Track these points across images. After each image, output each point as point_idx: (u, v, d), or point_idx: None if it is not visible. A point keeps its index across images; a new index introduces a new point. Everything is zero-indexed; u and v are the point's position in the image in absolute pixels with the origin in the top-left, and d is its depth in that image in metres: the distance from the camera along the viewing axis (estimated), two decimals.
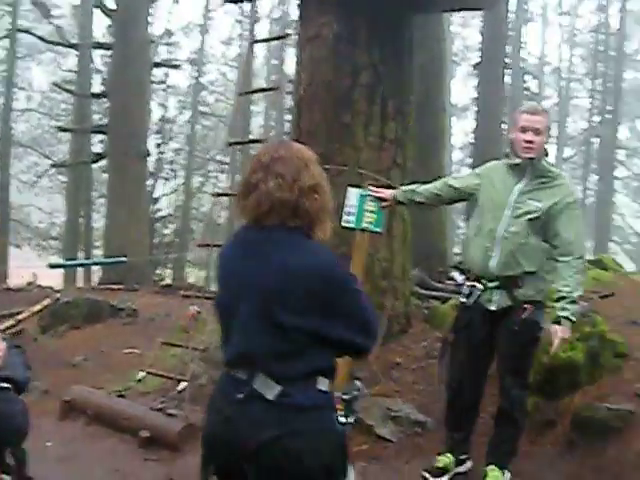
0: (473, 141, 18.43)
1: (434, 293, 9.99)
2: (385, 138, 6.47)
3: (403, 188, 4.78)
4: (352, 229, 4.97)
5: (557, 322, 4.06)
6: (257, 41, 7.10)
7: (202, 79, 31.22)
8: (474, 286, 4.31)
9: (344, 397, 2.52)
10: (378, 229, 4.91)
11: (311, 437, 2.29)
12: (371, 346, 2.48)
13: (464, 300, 4.38)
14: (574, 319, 4.07)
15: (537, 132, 4.18)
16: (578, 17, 35.35)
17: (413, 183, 4.80)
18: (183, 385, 6.04)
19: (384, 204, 4.79)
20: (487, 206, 4.34)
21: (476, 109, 18.14)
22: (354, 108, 6.40)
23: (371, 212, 4.88)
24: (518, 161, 4.24)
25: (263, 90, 8.50)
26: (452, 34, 29.42)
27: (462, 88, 37.14)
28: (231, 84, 32.26)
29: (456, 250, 22.57)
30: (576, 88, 35.54)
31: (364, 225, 4.87)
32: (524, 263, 4.15)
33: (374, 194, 4.80)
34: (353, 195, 4.86)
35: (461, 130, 36.17)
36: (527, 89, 24.64)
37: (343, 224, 4.95)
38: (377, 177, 5.59)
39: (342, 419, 2.43)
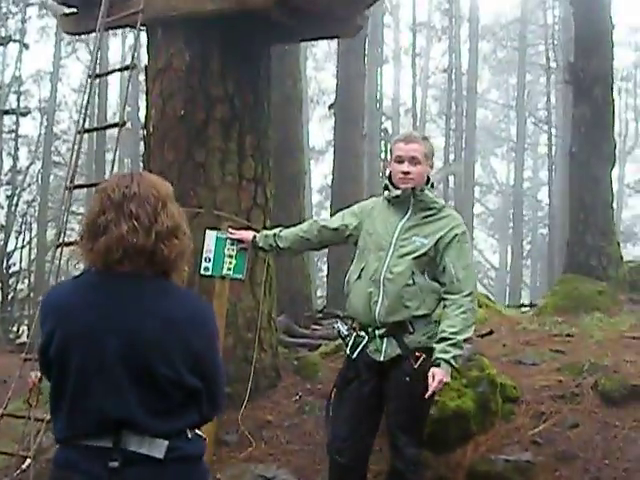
0: (331, 182, 18.24)
1: (301, 340, 9.55)
2: (243, 177, 5.96)
3: (264, 232, 4.32)
4: (211, 277, 4.45)
5: (436, 365, 3.64)
6: (98, 75, 6.44)
7: (54, 128, 29.86)
8: (359, 336, 3.87)
9: None
10: (239, 275, 4.42)
11: None
12: (213, 418, 2.38)
13: (348, 352, 3.92)
14: (455, 364, 3.68)
15: (414, 161, 3.82)
16: (430, 59, 36.53)
17: (277, 227, 4.33)
18: (27, 462, 5.26)
19: (241, 246, 4.33)
20: (369, 247, 3.92)
21: (333, 149, 17.99)
22: (209, 145, 5.88)
23: (231, 257, 4.37)
24: (397, 192, 3.86)
25: (106, 127, 7.76)
26: (307, 77, 29.52)
27: (318, 131, 37.49)
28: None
29: (319, 293, 22.50)
30: (430, 128, 36.59)
31: (224, 272, 4.36)
32: (412, 306, 3.74)
33: (232, 237, 4.32)
34: (211, 239, 4.34)
35: (319, 173, 36.46)
36: (385, 130, 24.86)
37: (202, 272, 4.42)
38: (236, 219, 5.09)
39: None
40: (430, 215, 3.83)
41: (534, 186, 40.85)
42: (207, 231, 4.38)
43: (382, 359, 3.79)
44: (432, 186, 3.92)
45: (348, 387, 3.91)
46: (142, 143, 6.54)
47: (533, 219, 40.27)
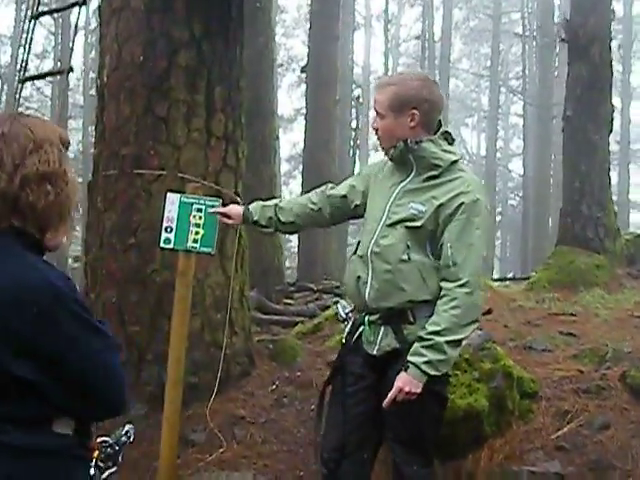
0: (303, 149, 17.43)
1: (275, 317, 8.87)
2: (212, 134, 5.15)
3: (260, 203, 3.48)
4: (173, 250, 3.68)
5: (404, 368, 2.88)
6: (39, 15, 5.55)
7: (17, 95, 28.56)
8: (357, 320, 3.16)
9: (103, 443, 2.12)
10: (208, 249, 3.66)
11: None
12: (107, 417, 1.94)
13: (344, 340, 3.22)
14: (430, 371, 2.86)
15: (378, 115, 3.08)
16: (401, 26, 35.75)
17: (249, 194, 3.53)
18: None
19: (229, 221, 3.53)
20: (367, 217, 3.21)
21: (305, 114, 17.17)
22: (172, 96, 5.05)
23: (198, 226, 3.60)
24: (391, 152, 3.10)
25: (48, 75, 6.77)
26: (276, 44, 28.56)
27: (287, 99, 36.60)
28: (47, 99, 30.13)
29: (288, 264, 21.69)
30: None
31: (189, 245, 3.60)
32: (408, 288, 2.96)
33: (215, 211, 3.56)
34: (173, 204, 3.57)
35: (287, 141, 35.63)
36: (357, 98, 24.06)
37: (162, 244, 3.65)
38: (203, 182, 4.31)
39: (93, 470, 2.03)
40: (433, 176, 3.03)
41: (504, 156, 40.46)
42: (168, 194, 3.61)
43: (375, 353, 3.06)
44: (447, 138, 3.10)
45: (342, 383, 3.17)
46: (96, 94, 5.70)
47: (503, 190, 39.91)
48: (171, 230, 3.58)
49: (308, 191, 3.57)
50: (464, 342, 3.03)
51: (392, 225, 3.01)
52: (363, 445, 3.16)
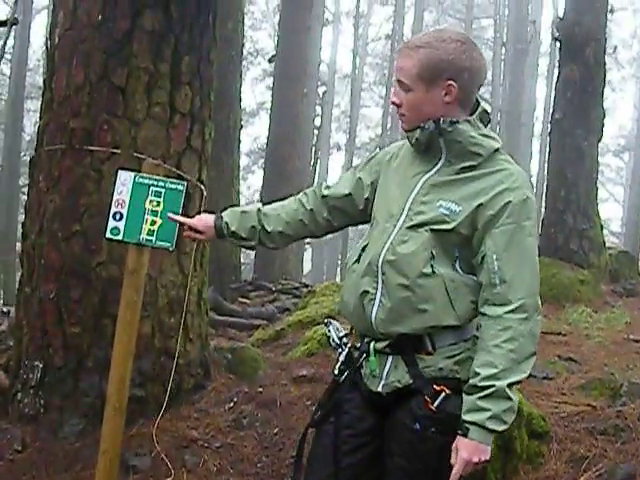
0: (266, 142, 16.77)
1: (231, 319, 8.23)
2: (176, 109, 4.47)
3: (236, 209, 2.75)
4: (122, 242, 3.00)
5: (463, 433, 2.23)
6: None
7: None
8: (356, 349, 2.48)
9: None
10: (166, 244, 2.97)
11: None
12: None
13: (336, 372, 2.52)
14: (497, 428, 2.21)
15: (401, 86, 2.37)
16: (370, 25, 35.32)
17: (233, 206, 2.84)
18: None
19: (198, 237, 2.78)
20: (377, 217, 2.50)
21: (271, 106, 16.53)
22: (132, 63, 4.36)
23: (155, 215, 2.93)
24: (417, 135, 2.38)
25: None
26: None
27: (250, 92, 35.90)
28: (5, 78, 28.95)
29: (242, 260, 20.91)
30: (366, 97, 35.47)
31: (143, 237, 2.92)
32: (430, 309, 2.29)
33: (175, 219, 2.90)
34: (125, 184, 2.89)
35: (248, 135, 34.92)
36: (323, 94, 23.54)
37: (108, 235, 2.96)
38: (162, 164, 3.64)
39: None
40: (470, 167, 2.36)
41: None
42: (120, 172, 2.92)
43: (381, 390, 2.39)
44: (484, 120, 2.41)
45: (335, 426, 2.48)
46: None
47: None
48: (121, 217, 2.89)
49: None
50: None
51: (414, 227, 2.34)
52: None
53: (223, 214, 2.72)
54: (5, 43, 6.06)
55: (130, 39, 4.37)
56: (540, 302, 2.33)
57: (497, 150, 2.38)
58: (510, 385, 2.21)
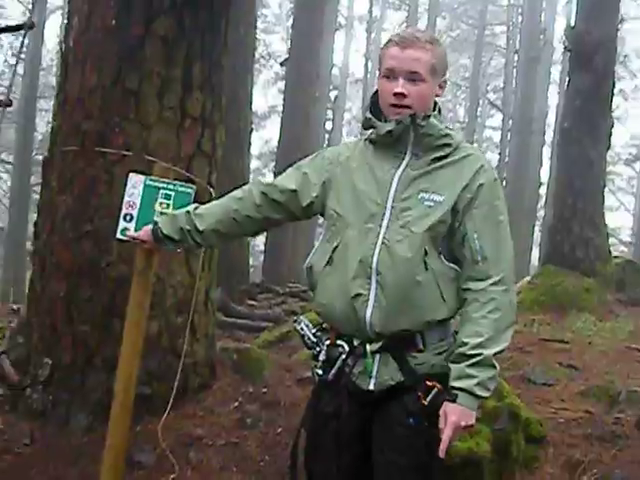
0: (277, 145, 16.86)
1: (239, 321, 8.31)
2: (187, 114, 4.56)
3: (170, 213, 2.88)
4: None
5: (451, 399, 2.31)
6: None
7: None
8: (339, 347, 2.49)
9: None
10: None
11: None
12: None
13: (320, 372, 2.53)
14: (483, 393, 2.32)
15: (414, 76, 2.40)
16: (382, 30, 35.32)
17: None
18: None
19: (145, 245, 2.93)
20: (344, 217, 2.50)
21: (282, 109, 16.61)
22: (145, 68, 4.45)
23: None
24: (389, 127, 2.43)
25: (7, 30, 6.09)
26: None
27: (261, 96, 35.97)
28: (18, 77, 29.18)
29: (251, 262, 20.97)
30: None
31: None
32: (426, 306, 2.38)
33: (131, 236, 2.97)
34: (136, 187, 2.98)
35: (259, 138, 35.05)
36: (335, 98, 23.61)
37: (119, 235, 3.05)
38: (173, 168, 3.72)
39: None
40: (442, 157, 2.44)
41: None
42: (131, 175, 3.02)
43: (373, 387, 2.44)
44: (439, 112, 2.52)
45: (322, 429, 2.55)
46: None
47: None
48: (131, 219, 2.98)
49: None
50: None
51: (406, 227, 2.38)
52: None
53: (158, 219, 2.84)
54: (22, 45, 6.14)
55: (143, 44, 4.46)
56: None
57: (460, 139, 2.52)
58: (495, 354, 2.33)
